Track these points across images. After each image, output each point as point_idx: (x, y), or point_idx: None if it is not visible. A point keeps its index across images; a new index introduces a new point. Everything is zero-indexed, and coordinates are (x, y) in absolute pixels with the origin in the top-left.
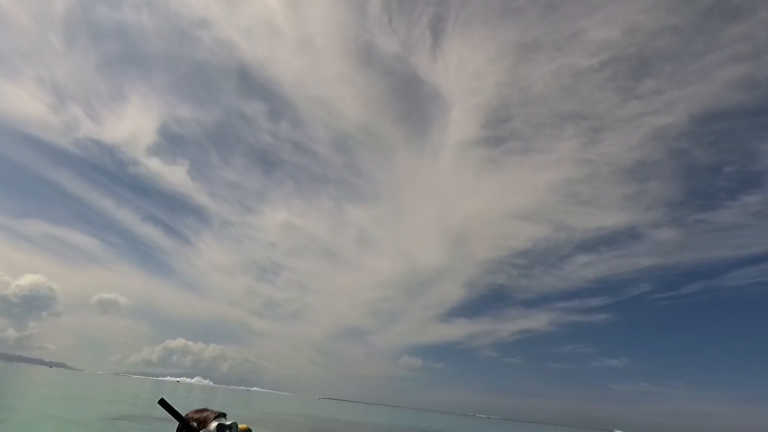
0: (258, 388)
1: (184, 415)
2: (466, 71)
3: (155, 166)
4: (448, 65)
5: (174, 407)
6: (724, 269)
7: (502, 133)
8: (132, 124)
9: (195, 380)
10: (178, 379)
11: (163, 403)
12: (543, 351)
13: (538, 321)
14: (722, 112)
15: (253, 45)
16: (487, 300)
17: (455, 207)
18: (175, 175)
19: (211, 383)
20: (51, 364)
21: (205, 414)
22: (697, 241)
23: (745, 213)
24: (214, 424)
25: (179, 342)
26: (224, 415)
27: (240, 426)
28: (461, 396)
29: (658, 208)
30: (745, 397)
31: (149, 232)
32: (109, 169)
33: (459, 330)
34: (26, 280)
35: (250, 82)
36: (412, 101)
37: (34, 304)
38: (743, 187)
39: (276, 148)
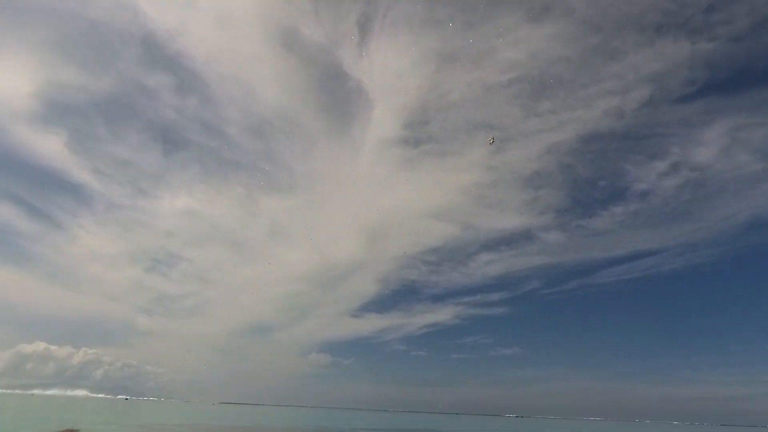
0: (141, 397)
1: None
2: (390, 71)
3: (24, 133)
4: (373, 63)
5: None
6: (596, 268)
7: (421, 134)
8: None
9: (54, 392)
10: (31, 391)
11: None
12: (447, 343)
13: (444, 314)
14: (600, 134)
15: (163, 13)
16: (399, 295)
17: (373, 203)
18: (48, 145)
19: (86, 393)
20: None
21: None
22: (576, 244)
23: (613, 221)
24: None
25: (38, 346)
26: None
27: None
28: (369, 390)
29: (548, 214)
30: (611, 375)
31: (3, 212)
32: None
33: (370, 325)
34: None
35: (155, 52)
36: (336, 94)
37: None
38: (612, 199)
39: (181, 126)
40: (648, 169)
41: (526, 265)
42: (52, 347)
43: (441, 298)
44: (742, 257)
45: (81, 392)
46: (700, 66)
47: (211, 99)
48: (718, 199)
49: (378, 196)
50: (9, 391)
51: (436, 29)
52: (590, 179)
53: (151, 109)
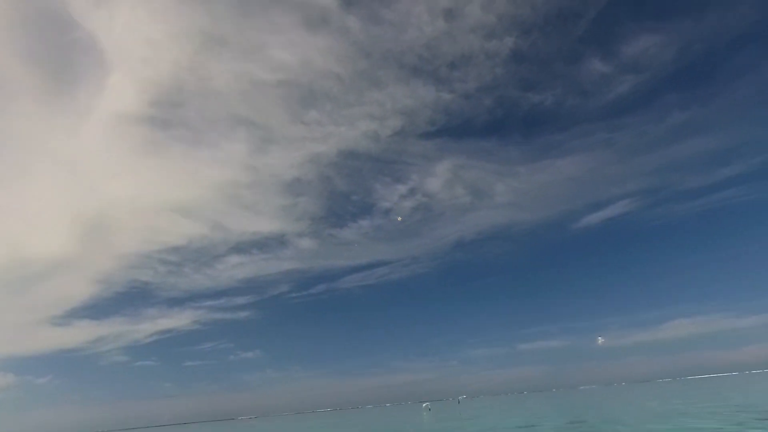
0: None
1: None
2: (139, 35)
3: None
4: (115, 18)
5: None
6: (340, 274)
7: (172, 117)
8: None
9: None
10: None
11: None
12: (181, 350)
13: (181, 320)
14: (357, 153)
15: None
16: (125, 298)
17: (99, 188)
18: None
19: None
20: None
21: None
22: (326, 251)
23: (359, 233)
24: None
25: None
26: None
27: None
28: (73, 412)
29: (303, 221)
30: (343, 371)
31: None
32: None
33: (81, 334)
34: None
35: None
36: (55, 44)
37: None
38: (361, 213)
39: None
40: (392, 190)
41: (277, 269)
42: None
43: (180, 301)
44: (449, 269)
45: None
46: (441, 111)
47: None
48: (438, 221)
49: (105, 181)
50: None
51: (206, 5)
52: (345, 193)
53: None
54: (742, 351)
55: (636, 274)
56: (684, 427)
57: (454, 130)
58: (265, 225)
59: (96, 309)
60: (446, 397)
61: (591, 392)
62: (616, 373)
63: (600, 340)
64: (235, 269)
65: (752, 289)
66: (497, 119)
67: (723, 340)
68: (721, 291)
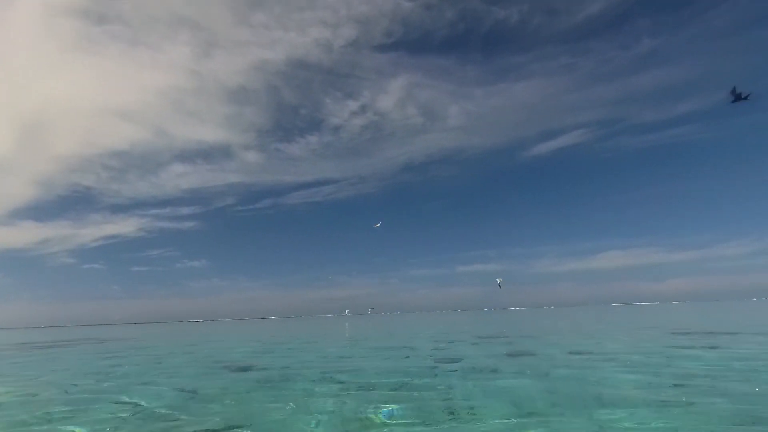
0: None
1: None
2: None
3: None
4: None
5: None
6: (286, 190)
7: (108, 11)
8: None
9: None
10: None
11: None
12: (128, 256)
13: (126, 227)
14: (308, 63)
15: None
16: (67, 202)
17: (32, 86)
18: None
19: None
20: None
21: None
22: (273, 166)
23: (307, 149)
24: None
25: None
26: None
27: None
28: (22, 308)
29: (249, 133)
30: (287, 283)
31: None
32: None
33: (25, 235)
34: None
35: None
36: None
37: None
38: (309, 128)
39: None
40: (342, 106)
41: (223, 181)
42: None
43: (124, 208)
44: (396, 191)
45: None
46: (399, 21)
47: None
48: (388, 141)
49: (39, 79)
50: None
51: None
52: (293, 105)
53: None
54: (666, 283)
55: (577, 205)
56: (589, 335)
57: (412, 43)
58: (209, 134)
59: (39, 211)
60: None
61: (519, 312)
62: (547, 297)
63: (499, 281)
64: (180, 179)
65: (684, 227)
66: (458, 34)
67: (650, 273)
68: (657, 226)
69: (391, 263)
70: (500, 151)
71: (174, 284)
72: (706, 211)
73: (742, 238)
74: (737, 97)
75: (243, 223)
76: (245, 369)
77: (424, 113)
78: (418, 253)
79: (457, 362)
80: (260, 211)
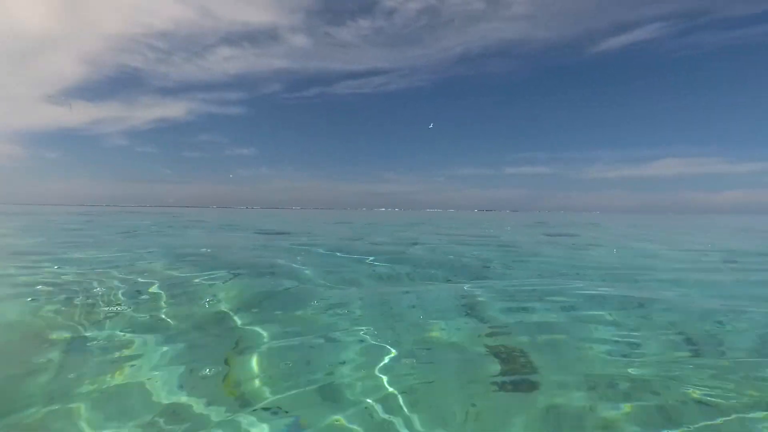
0: None
1: None
2: None
3: None
4: None
5: None
6: (335, 79)
7: None
8: None
9: None
10: None
11: None
12: (178, 139)
13: (176, 110)
14: None
15: None
16: (117, 83)
17: None
18: None
19: None
20: None
21: None
22: (321, 51)
23: (358, 35)
24: None
25: None
26: None
27: None
28: (81, 187)
29: (298, 13)
30: (330, 175)
31: None
32: None
33: (78, 114)
34: None
35: None
36: None
37: None
38: (361, 11)
39: None
40: None
41: (269, 66)
42: None
43: (172, 91)
44: (448, 85)
45: None
46: None
47: None
48: (445, 30)
49: None
50: None
51: None
52: None
53: None
54: (723, 195)
55: (639, 108)
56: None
57: None
58: (255, 14)
59: (89, 91)
60: (428, 207)
61: (562, 216)
62: (593, 202)
63: None
64: (227, 62)
65: (756, 137)
66: None
67: (708, 183)
68: (724, 134)
69: (439, 161)
70: (566, 44)
71: (223, 170)
72: None
73: None
74: None
75: (290, 111)
76: None
77: None
78: (466, 152)
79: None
80: (307, 99)
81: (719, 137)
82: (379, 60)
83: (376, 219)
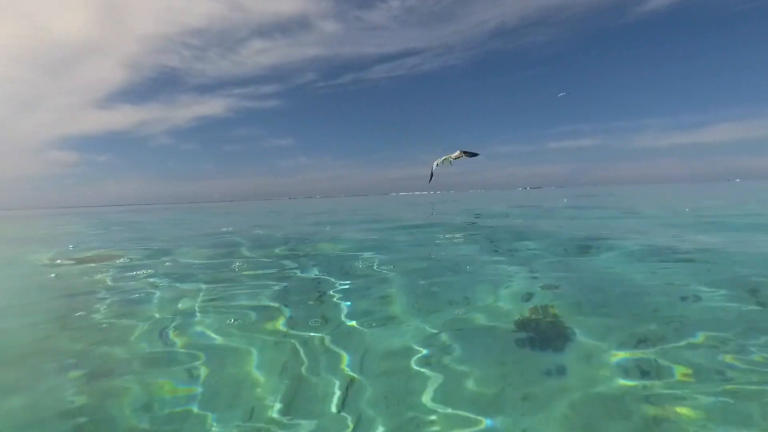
0: None
1: None
2: None
3: None
4: None
5: None
6: (368, 64)
7: None
8: None
9: None
10: None
11: None
12: (218, 134)
13: (214, 107)
14: None
15: None
16: (157, 84)
17: None
18: None
19: None
20: None
21: None
22: (352, 36)
23: (389, 15)
24: None
25: None
26: None
27: None
28: (132, 188)
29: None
30: (369, 161)
31: None
32: None
33: (124, 117)
34: None
35: None
36: None
37: None
38: None
39: None
40: None
41: (302, 55)
42: None
43: (209, 89)
44: (484, 61)
45: None
46: None
47: None
48: (478, 3)
49: None
50: None
51: None
52: None
53: None
54: None
55: (691, 69)
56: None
57: None
58: (285, 3)
59: (132, 94)
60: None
61: (608, 190)
62: (644, 173)
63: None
64: (260, 55)
65: None
66: None
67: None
68: None
69: (478, 139)
70: (609, 6)
71: (263, 163)
72: None
73: None
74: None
75: (325, 100)
76: None
77: None
78: (506, 129)
79: None
80: (342, 87)
81: None
82: (411, 40)
83: (469, 201)
